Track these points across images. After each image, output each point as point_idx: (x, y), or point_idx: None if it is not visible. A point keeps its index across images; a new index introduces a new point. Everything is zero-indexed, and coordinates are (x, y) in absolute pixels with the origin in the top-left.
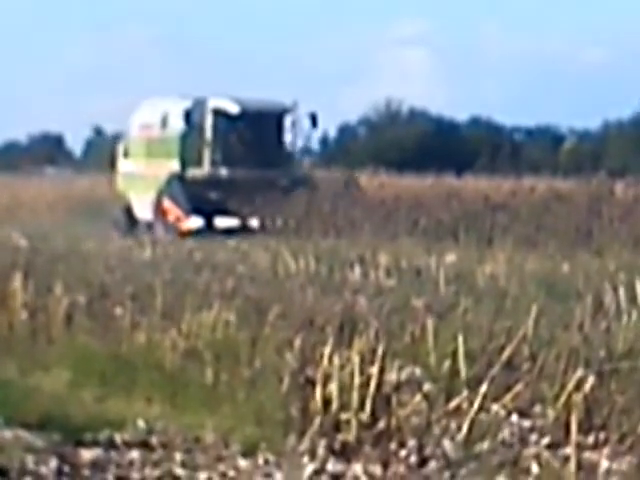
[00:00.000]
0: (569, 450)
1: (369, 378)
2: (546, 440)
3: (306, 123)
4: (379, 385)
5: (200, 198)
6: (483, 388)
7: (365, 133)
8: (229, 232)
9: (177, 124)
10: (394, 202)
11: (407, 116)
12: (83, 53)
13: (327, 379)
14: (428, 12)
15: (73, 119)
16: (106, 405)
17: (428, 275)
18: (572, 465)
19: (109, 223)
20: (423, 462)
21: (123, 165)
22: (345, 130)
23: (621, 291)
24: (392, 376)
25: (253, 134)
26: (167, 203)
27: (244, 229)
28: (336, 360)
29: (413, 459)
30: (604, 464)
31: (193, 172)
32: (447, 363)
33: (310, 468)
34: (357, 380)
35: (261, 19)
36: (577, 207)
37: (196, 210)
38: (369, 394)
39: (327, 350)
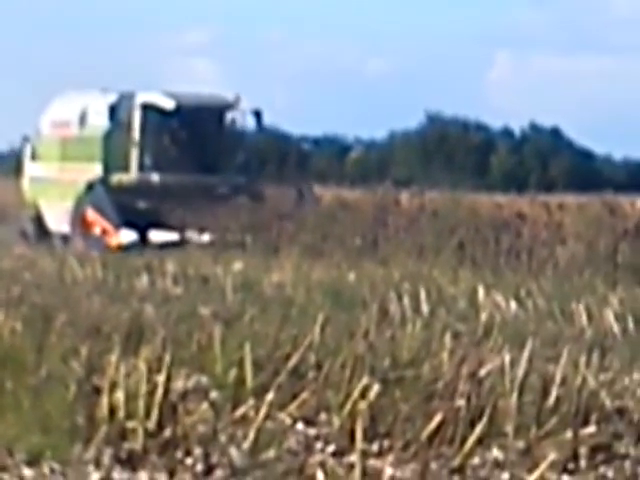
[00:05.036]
0: (354, 458)
1: (155, 386)
2: (331, 448)
3: (250, 121)
4: (165, 393)
5: (131, 208)
6: (269, 396)
7: None
8: (167, 246)
9: (99, 122)
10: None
11: None
12: None
13: (113, 387)
14: (213, 21)
15: None
16: None
17: (215, 283)
18: (357, 472)
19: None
20: (209, 470)
21: (30, 169)
22: None
23: (406, 300)
24: (179, 384)
25: (189, 133)
26: (91, 214)
27: (183, 243)
28: (122, 368)
29: (199, 467)
30: (388, 471)
31: (119, 177)
32: (233, 371)
33: (96, 477)
34: (143, 388)
35: (60, 26)
36: (363, 216)
37: (127, 223)
38: (155, 402)
39: (114, 358)
